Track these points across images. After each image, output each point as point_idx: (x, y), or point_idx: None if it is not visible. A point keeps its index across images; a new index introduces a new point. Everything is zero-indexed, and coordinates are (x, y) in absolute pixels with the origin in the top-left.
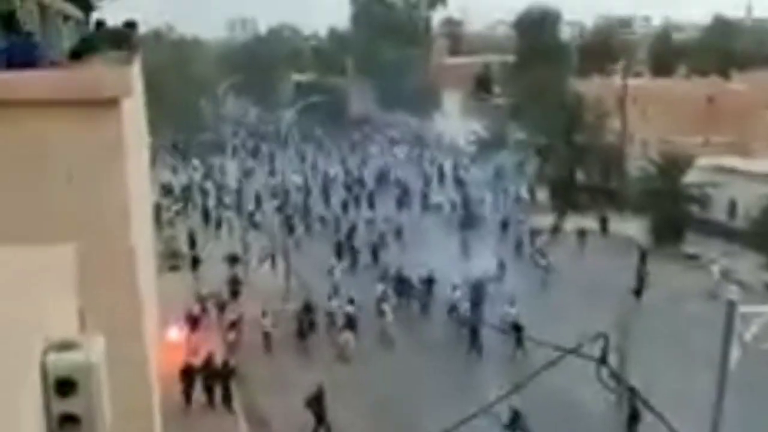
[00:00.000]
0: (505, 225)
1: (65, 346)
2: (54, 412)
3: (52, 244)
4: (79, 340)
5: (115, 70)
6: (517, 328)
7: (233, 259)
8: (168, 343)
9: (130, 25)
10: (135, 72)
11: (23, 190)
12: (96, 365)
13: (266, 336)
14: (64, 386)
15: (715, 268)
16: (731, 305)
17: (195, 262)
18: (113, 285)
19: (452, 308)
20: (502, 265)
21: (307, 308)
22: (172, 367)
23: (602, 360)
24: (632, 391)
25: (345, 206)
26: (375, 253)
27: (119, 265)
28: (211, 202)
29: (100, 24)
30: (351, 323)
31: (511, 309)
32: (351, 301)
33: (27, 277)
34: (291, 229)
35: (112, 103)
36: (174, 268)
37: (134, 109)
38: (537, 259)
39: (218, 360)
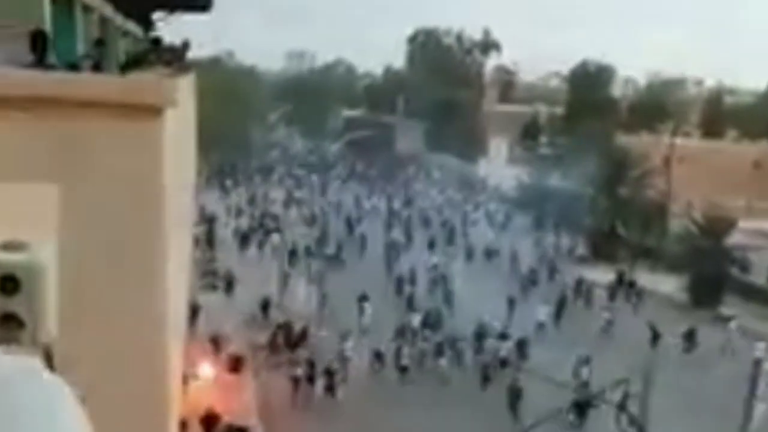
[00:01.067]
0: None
1: (16, 246)
2: None
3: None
4: (30, 243)
5: (160, 80)
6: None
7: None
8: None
9: (185, 45)
10: (182, 86)
11: (63, 186)
12: (41, 266)
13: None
14: (8, 283)
15: (733, 325)
16: (757, 363)
17: (229, 285)
18: (140, 293)
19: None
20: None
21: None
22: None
23: (622, 406)
24: None
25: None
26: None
27: (148, 264)
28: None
29: (155, 41)
30: None
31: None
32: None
33: (7, 212)
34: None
35: (154, 111)
36: (213, 288)
37: (180, 124)
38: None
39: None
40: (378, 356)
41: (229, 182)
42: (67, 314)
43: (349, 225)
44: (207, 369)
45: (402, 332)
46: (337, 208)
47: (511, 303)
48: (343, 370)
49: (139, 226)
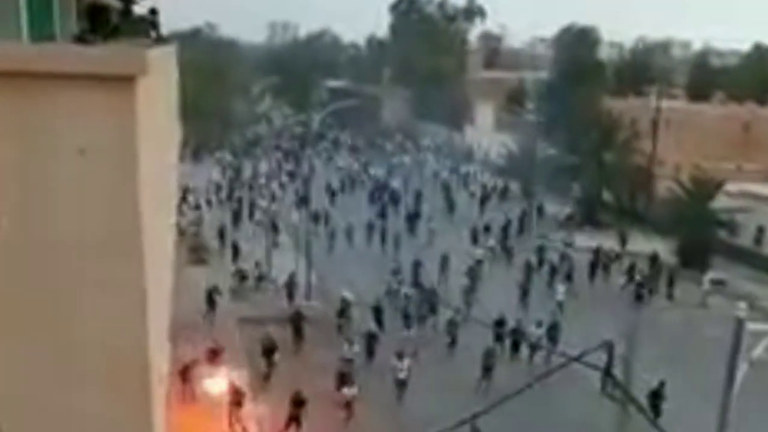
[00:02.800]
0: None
1: None
2: None
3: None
4: None
5: (132, 49)
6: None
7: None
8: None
9: (153, 11)
10: (156, 55)
11: (35, 161)
12: None
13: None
14: None
15: (706, 278)
16: (739, 322)
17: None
18: (117, 262)
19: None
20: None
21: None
22: None
23: (607, 370)
24: (633, 400)
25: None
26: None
27: (125, 236)
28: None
29: (126, 12)
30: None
31: None
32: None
33: None
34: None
35: (127, 81)
36: (200, 262)
37: (156, 94)
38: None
39: None
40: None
41: (212, 155)
42: (29, 291)
43: (333, 195)
44: (221, 384)
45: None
46: (322, 177)
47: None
48: None
49: (112, 200)
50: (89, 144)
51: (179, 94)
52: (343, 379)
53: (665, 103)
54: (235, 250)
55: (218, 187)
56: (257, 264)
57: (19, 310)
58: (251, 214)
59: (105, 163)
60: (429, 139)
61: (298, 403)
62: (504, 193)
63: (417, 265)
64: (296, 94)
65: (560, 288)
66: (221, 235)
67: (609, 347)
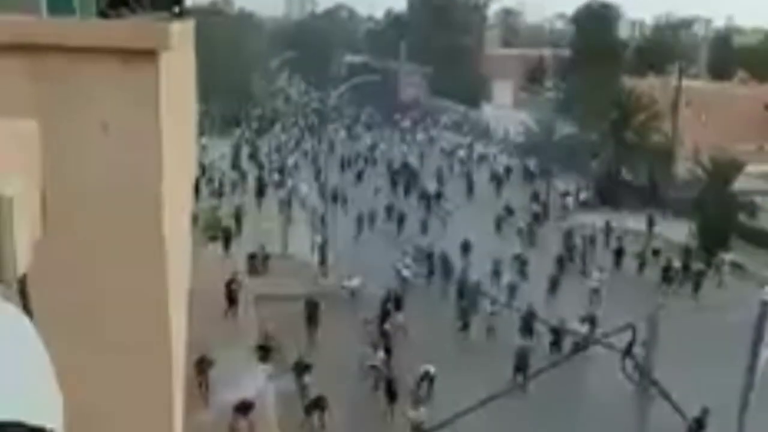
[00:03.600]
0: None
1: None
2: None
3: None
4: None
5: (155, 23)
6: None
7: None
8: None
9: None
10: (178, 30)
11: (57, 138)
12: (5, 198)
13: None
14: None
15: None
16: (764, 305)
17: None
18: (139, 237)
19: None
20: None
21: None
22: None
23: (627, 352)
24: (653, 382)
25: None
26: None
27: (147, 211)
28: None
29: None
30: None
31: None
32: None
33: None
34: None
35: (149, 55)
36: (214, 239)
37: (178, 69)
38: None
39: None
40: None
41: (230, 131)
42: (48, 256)
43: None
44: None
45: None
46: (338, 153)
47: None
48: None
49: (135, 176)
50: (112, 119)
51: (197, 69)
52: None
53: (686, 83)
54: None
55: (234, 165)
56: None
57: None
58: (260, 192)
59: (128, 138)
60: (447, 117)
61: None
62: (523, 173)
63: (444, 258)
64: (314, 69)
65: (595, 275)
66: (237, 217)
67: (633, 329)
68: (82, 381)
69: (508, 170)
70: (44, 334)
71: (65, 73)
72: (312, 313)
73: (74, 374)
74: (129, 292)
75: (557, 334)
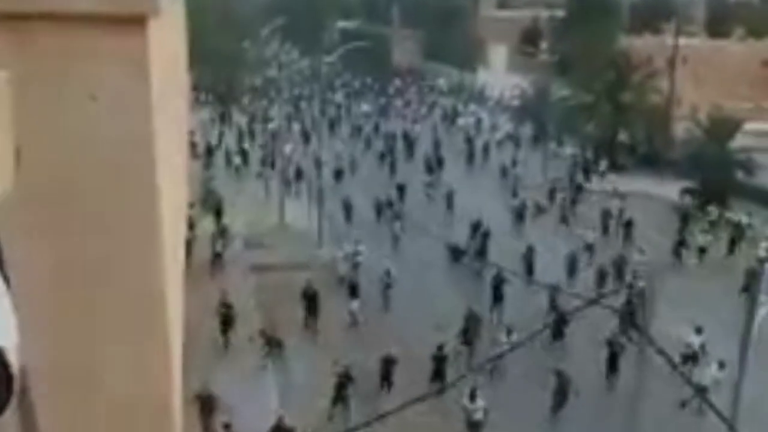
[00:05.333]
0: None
1: None
2: None
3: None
4: None
5: None
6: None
7: None
8: None
9: None
10: None
11: (46, 106)
12: None
13: None
14: None
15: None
16: (760, 262)
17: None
18: (131, 208)
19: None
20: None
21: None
22: None
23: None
24: (652, 342)
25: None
26: None
27: (139, 183)
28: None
29: None
30: None
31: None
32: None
33: None
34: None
35: (137, 22)
36: (212, 209)
37: (167, 36)
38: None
39: None
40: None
41: (221, 100)
42: (40, 231)
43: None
44: None
45: None
46: (333, 122)
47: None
48: None
49: (126, 148)
50: (101, 89)
51: (186, 37)
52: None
53: (683, 41)
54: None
55: (220, 135)
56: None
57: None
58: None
59: (117, 108)
60: (442, 81)
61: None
62: (519, 138)
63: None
64: (306, 36)
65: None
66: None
67: (629, 288)
68: (65, 339)
69: (505, 136)
70: (27, 294)
71: (51, 42)
72: (311, 302)
73: (57, 334)
74: (121, 264)
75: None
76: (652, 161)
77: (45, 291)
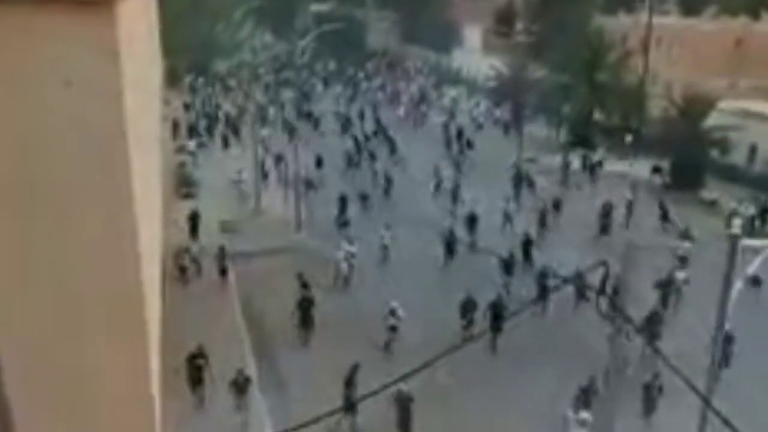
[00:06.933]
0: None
1: None
2: None
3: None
4: None
5: None
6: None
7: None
8: None
9: None
10: None
11: (19, 94)
12: None
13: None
14: None
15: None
16: (734, 238)
17: None
18: (105, 193)
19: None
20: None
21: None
22: None
23: (601, 290)
24: (628, 320)
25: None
26: None
27: (113, 169)
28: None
29: None
30: None
31: None
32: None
33: None
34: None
35: (106, 4)
36: (187, 196)
37: (137, 18)
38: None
39: None
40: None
41: (195, 84)
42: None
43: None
44: None
45: None
46: (308, 106)
47: None
48: None
49: (99, 132)
50: (74, 75)
51: (159, 19)
52: None
53: (657, 19)
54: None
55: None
56: None
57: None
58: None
59: (89, 92)
60: (418, 63)
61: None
62: (497, 119)
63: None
64: (279, 19)
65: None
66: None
67: (605, 267)
68: (49, 329)
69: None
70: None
71: (23, 28)
72: (305, 312)
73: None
74: (98, 244)
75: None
76: (625, 140)
77: (13, 285)
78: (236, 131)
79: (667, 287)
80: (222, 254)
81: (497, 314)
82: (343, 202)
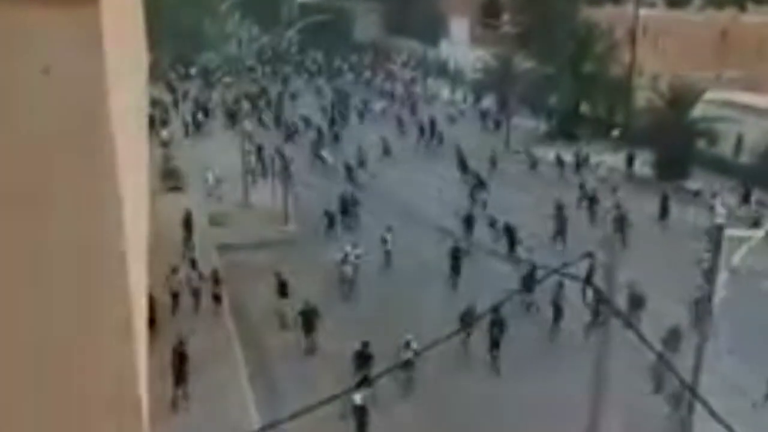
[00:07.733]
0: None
1: None
2: None
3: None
4: None
5: None
6: None
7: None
8: None
9: None
10: None
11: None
12: None
13: None
14: None
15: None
16: (719, 228)
17: None
18: (88, 181)
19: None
20: None
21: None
22: None
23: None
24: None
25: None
26: None
27: (96, 157)
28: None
29: None
30: None
31: None
32: None
33: None
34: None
35: None
36: (175, 189)
37: (121, 9)
38: None
39: None
40: None
41: (181, 78)
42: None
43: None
44: None
45: None
46: (296, 97)
47: None
48: None
49: (80, 121)
50: (54, 62)
51: (145, 12)
52: None
53: (643, 11)
54: None
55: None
56: None
57: None
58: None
59: (71, 81)
60: (405, 56)
61: None
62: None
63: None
64: (265, 11)
65: None
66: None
67: (591, 258)
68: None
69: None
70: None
71: (3, 16)
72: (310, 320)
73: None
74: (83, 238)
75: None
76: (611, 133)
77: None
78: (232, 122)
79: None
80: (216, 278)
81: None
82: None
